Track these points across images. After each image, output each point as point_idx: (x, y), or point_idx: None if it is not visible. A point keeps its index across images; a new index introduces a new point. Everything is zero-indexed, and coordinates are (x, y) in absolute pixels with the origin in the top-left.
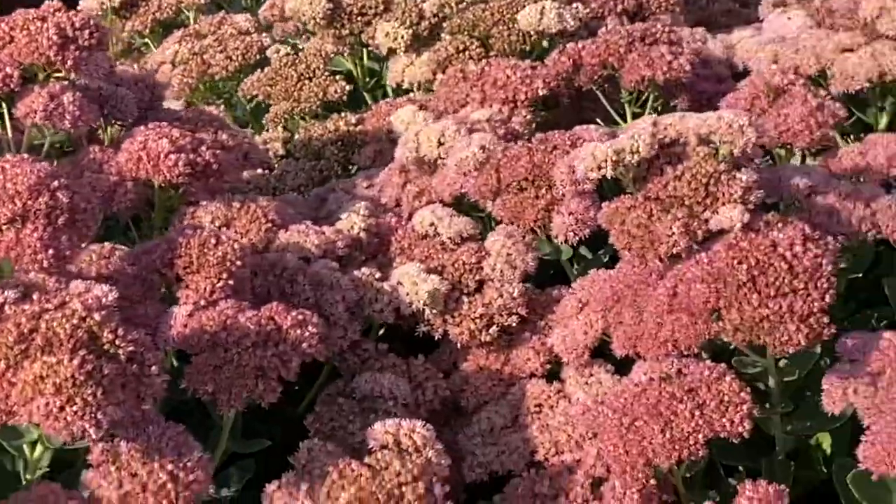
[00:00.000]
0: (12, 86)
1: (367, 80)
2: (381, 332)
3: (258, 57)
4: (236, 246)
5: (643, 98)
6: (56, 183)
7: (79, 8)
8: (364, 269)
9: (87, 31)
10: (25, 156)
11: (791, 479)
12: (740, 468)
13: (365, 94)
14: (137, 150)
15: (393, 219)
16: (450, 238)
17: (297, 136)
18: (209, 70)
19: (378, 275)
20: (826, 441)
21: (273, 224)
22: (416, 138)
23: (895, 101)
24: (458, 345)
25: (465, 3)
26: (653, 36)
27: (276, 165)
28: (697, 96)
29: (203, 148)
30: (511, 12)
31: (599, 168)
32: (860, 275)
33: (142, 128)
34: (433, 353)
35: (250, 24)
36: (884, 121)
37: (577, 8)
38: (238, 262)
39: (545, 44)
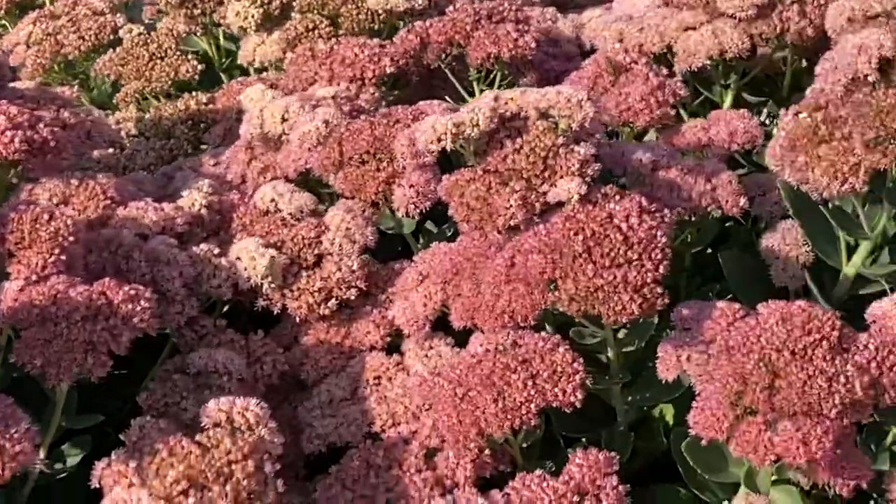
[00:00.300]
0: None
1: (224, 59)
2: (227, 308)
3: (112, 37)
4: (69, 222)
5: (491, 76)
6: None
7: None
8: (203, 245)
9: None
10: None
11: (630, 449)
12: (583, 439)
13: (221, 73)
14: None
15: (236, 195)
16: (290, 214)
17: (147, 116)
18: (62, 50)
19: (217, 251)
20: (669, 412)
21: (112, 201)
22: (261, 115)
23: (738, 79)
24: (298, 319)
25: None
26: (500, 14)
27: (129, 144)
28: (545, 74)
29: (41, 125)
30: None
31: (439, 140)
32: (709, 249)
33: None
34: (275, 328)
35: (105, 5)
36: (728, 98)
37: None
38: (70, 238)
39: (402, 24)
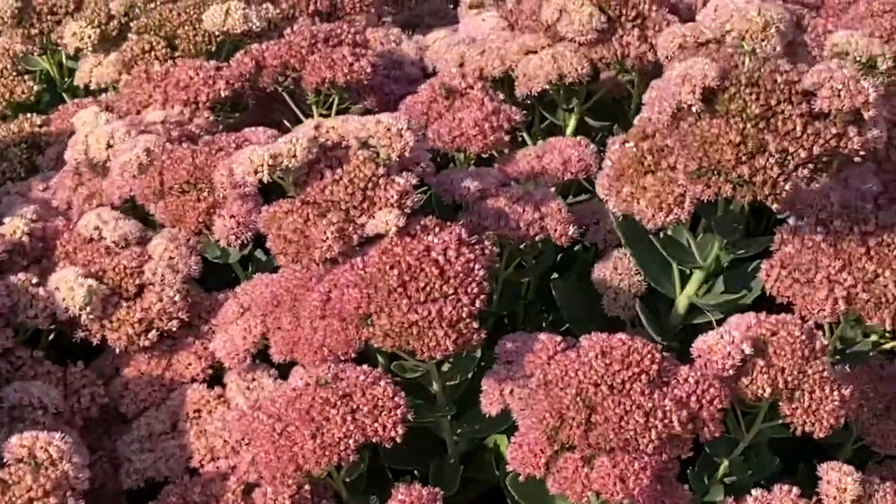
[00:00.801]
0: None
1: (66, 80)
2: (53, 338)
3: None
4: None
5: (330, 100)
6: None
7: None
8: (21, 275)
9: None
10: None
11: (458, 482)
12: (414, 471)
13: (64, 94)
14: None
15: (61, 222)
16: (115, 242)
17: None
18: None
19: (35, 280)
20: (503, 443)
21: None
22: (86, 140)
23: (582, 103)
24: (118, 350)
25: (154, 3)
26: (337, 37)
27: None
28: (386, 98)
29: None
30: (197, 12)
31: (256, 172)
32: (556, 275)
33: None
34: (97, 359)
35: None
36: (572, 122)
37: (266, 8)
38: None
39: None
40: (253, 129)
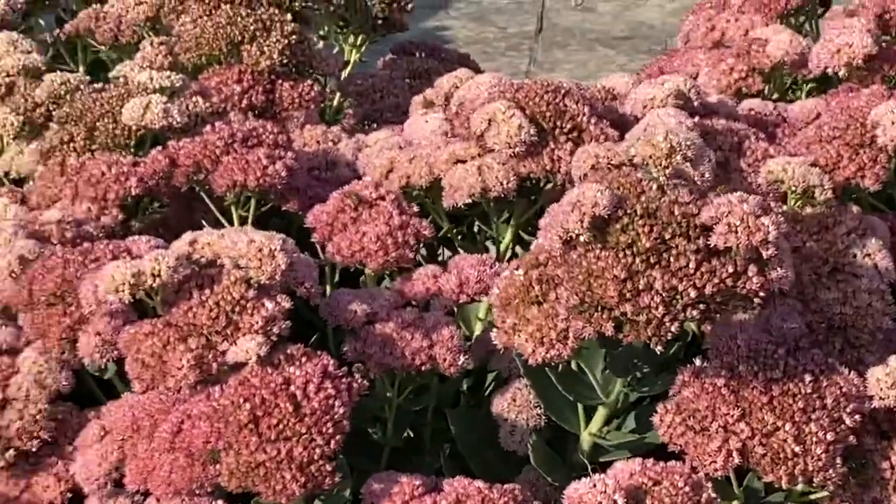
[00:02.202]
0: None
1: None
2: None
3: None
4: None
5: (250, 201)
6: None
7: None
8: None
9: None
10: None
11: None
12: None
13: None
14: None
15: None
16: None
17: None
18: None
19: None
20: None
21: None
22: None
23: (519, 216)
24: None
25: (80, 93)
26: (257, 137)
27: None
28: (310, 201)
29: None
30: (119, 104)
31: (117, 291)
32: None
33: None
34: None
35: None
36: (507, 236)
37: (195, 101)
38: None
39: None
40: (135, 238)
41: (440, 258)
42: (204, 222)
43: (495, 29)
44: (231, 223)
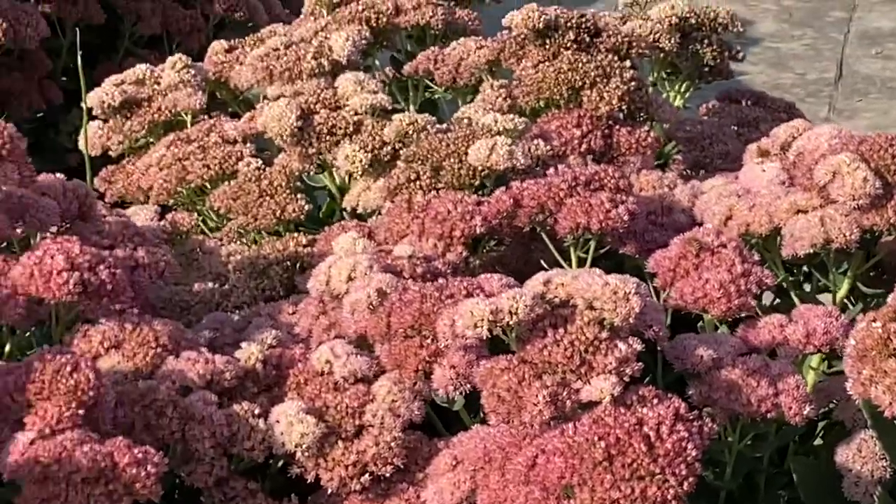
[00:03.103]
0: None
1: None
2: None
3: (235, 168)
4: (91, 375)
5: (588, 243)
6: None
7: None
8: (244, 404)
9: None
10: None
11: None
12: None
13: (345, 214)
14: (32, 264)
15: (300, 350)
16: (343, 377)
17: (244, 254)
18: (187, 177)
19: (257, 410)
20: None
21: (164, 349)
22: (328, 270)
23: (856, 268)
24: (330, 490)
25: (426, 132)
26: (599, 181)
27: (232, 280)
28: (647, 246)
29: (101, 266)
30: (465, 145)
31: (476, 327)
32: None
33: (47, 240)
34: (314, 494)
35: (238, 133)
36: (843, 288)
37: (537, 144)
38: (91, 392)
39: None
40: (487, 276)
41: None
42: (542, 262)
43: (793, 75)
44: (568, 263)
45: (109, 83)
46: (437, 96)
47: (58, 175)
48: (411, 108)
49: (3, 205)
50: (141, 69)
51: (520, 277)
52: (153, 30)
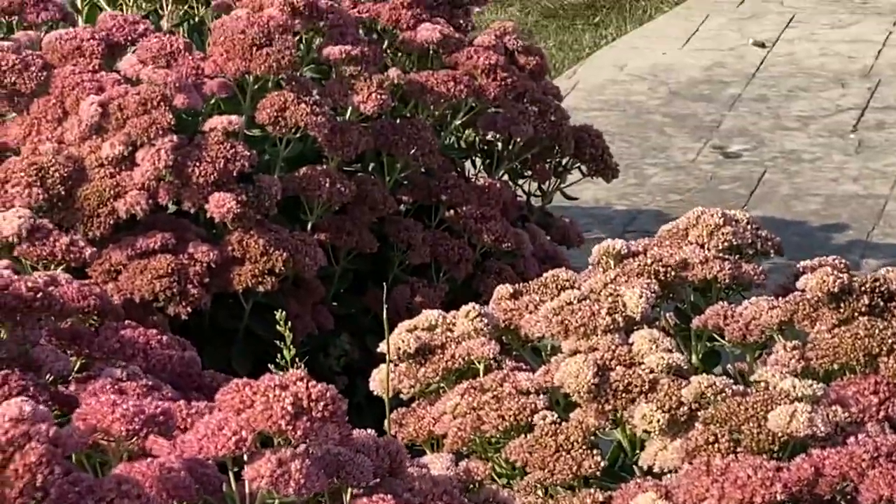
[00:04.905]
0: (244, 449)
1: (636, 451)
2: None
3: (530, 420)
4: None
5: None
6: None
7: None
8: None
9: (321, 404)
10: None
11: None
12: None
13: (635, 468)
14: None
15: None
16: None
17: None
18: (482, 427)
19: None
20: None
21: None
22: None
23: None
24: None
25: (724, 395)
26: None
27: None
28: None
29: None
30: (764, 410)
31: None
32: None
33: (362, 498)
34: None
35: (532, 385)
36: None
37: (835, 411)
38: None
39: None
40: None
41: None
42: None
43: None
44: None
45: (403, 329)
46: (717, 346)
47: (370, 431)
48: (694, 357)
49: (322, 461)
50: (433, 315)
51: None
52: (422, 259)
